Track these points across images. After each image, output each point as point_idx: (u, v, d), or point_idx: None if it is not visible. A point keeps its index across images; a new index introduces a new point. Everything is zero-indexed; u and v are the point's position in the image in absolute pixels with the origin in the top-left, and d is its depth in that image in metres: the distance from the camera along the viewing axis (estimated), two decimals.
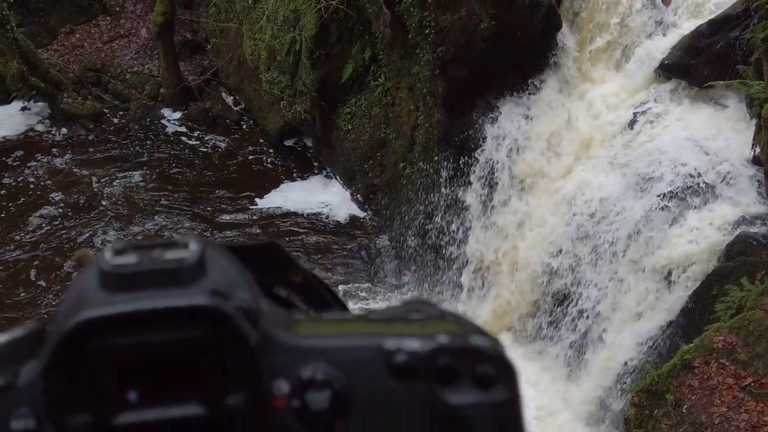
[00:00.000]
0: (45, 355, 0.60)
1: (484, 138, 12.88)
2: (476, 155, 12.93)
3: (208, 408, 0.61)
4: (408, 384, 0.63)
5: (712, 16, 12.09)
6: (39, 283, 14.00)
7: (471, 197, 13.01)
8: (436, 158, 13.42)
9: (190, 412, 0.61)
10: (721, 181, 10.92)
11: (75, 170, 16.36)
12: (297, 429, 0.62)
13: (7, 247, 14.72)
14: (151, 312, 0.59)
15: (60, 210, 15.46)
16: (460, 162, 13.09)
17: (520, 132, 12.76)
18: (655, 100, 12.25)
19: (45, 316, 13.17)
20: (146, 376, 0.61)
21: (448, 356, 0.63)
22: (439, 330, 0.65)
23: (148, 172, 16.33)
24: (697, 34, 12.01)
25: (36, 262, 14.36)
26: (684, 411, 7.96)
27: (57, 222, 15.21)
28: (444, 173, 13.31)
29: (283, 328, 0.64)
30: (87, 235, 14.91)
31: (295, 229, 14.85)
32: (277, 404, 0.62)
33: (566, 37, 12.98)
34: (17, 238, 14.90)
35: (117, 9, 19.06)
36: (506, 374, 0.64)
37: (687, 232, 10.65)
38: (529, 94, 12.92)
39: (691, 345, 8.45)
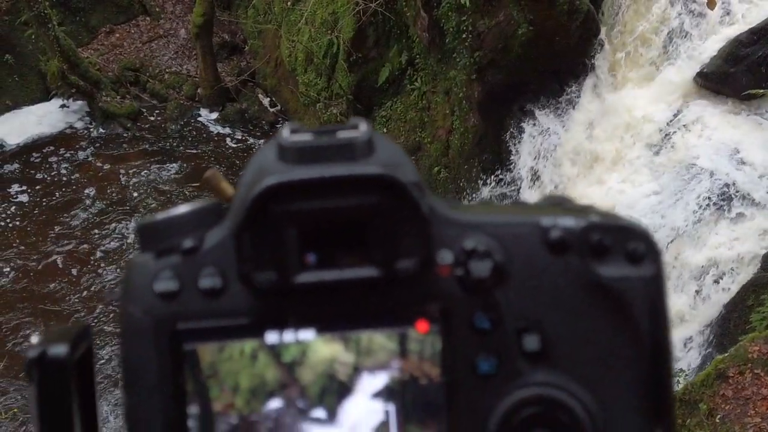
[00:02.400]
0: (236, 216, 0.65)
1: (520, 143, 12.84)
2: (512, 161, 12.89)
3: (381, 271, 0.65)
4: (562, 258, 0.67)
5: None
6: (71, 273, 14.24)
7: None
8: (471, 163, 13.39)
9: (364, 274, 0.65)
10: (758, 192, 10.82)
11: (110, 167, 16.54)
12: (459, 296, 0.66)
13: (42, 241, 14.94)
14: (333, 179, 0.63)
15: (94, 205, 15.67)
16: (496, 167, 13.06)
17: (555, 138, 12.70)
18: (692, 108, 12.12)
19: (78, 307, 13.41)
20: (324, 241, 0.65)
21: (601, 233, 0.67)
22: (589, 212, 0.69)
23: (183, 169, 16.45)
24: (737, 42, 11.91)
25: (69, 255, 14.58)
26: (717, 421, 7.82)
27: (91, 217, 15.41)
28: (479, 179, 13.28)
29: (445, 205, 0.68)
30: (121, 228, 15.09)
31: None
32: (441, 272, 0.66)
33: (604, 42, 12.90)
34: (51, 232, 15.12)
35: (157, 9, 19.20)
36: (654, 252, 0.67)
37: (722, 243, 10.61)
38: (566, 99, 12.85)
39: (726, 355, 8.33)
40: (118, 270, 14.15)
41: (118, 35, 18.99)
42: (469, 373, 0.66)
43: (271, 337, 0.66)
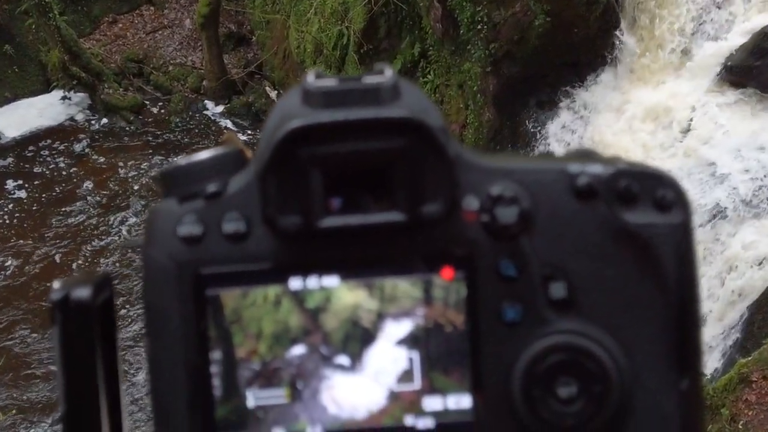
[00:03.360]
0: (261, 160, 0.65)
1: (536, 138, 12.79)
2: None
3: (406, 215, 0.65)
4: (589, 204, 0.67)
5: None
6: (71, 269, 14.27)
7: None
8: None
9: (389, 219, 0.65)
10: None
11: (112, 161, 16.60)
12: (484, 242, 0.66)
13: (40, 236, 15.00)
14: (359, 122, 0.64)
15: (94, 200, 15.77)
16: None
17: (573, 133, 12.69)
18: (716, 103, 11.99)
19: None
20: (349, 185, 0.66)
21: (629, 179, 0.67)
22: (617, 161, 0.69)
23: None
24: (762, 35, 11.84)
25: (68, 250, 14.64)
26: (740, 427, 7.81)
27: (90, 211, 15.51)
28: None
29: (471, 152, 0.68)
30: (121, 223, 15.19)
31: None
32: (467, 219, 0.66)
33: (625, 34, 12.84)
34: (50, 227, 15.22)
35: None
36: (683, 199, 0.67)
37: (745, 242, 10.54)
38: (584, 93, 12.81)
39: (749, 358, 8.36)
40: (117, 264, 14.27)
41: (121, 25, 19.07)
42: (494, 320, 0.67)
43: (295, 283, 0.67)
